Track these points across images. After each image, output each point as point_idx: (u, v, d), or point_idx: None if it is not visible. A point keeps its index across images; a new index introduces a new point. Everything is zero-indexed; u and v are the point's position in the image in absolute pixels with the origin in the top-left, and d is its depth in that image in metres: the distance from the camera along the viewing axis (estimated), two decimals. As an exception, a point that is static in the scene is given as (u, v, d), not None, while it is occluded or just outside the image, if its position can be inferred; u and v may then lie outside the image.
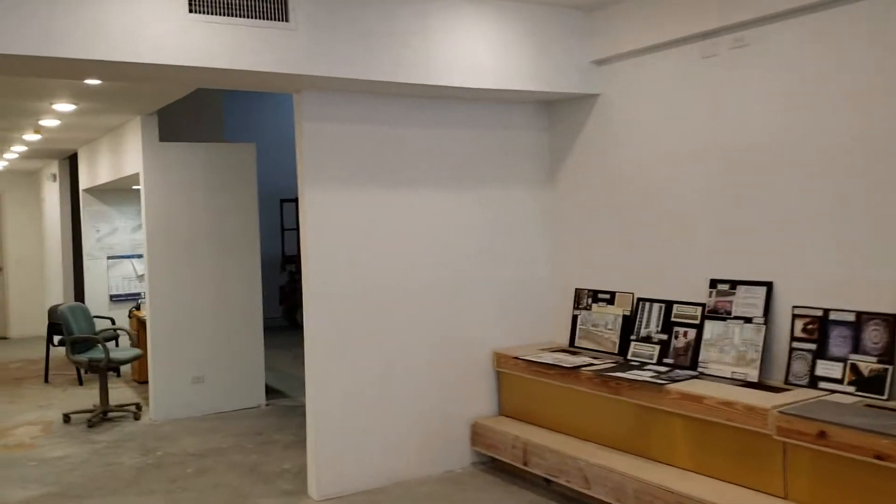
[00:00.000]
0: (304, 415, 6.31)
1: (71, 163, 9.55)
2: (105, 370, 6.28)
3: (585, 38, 4.71)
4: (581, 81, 4.71)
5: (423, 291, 4.70)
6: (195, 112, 7.30)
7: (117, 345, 8.27)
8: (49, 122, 6.40)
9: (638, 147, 4.55)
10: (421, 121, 4.69)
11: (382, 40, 4.05)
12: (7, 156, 9.01)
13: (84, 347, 6.43)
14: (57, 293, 10.18)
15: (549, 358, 4.55)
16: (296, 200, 11.86)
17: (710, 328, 4.08)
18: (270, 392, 6.97)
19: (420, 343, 4.69)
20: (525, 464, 4.37)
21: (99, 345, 6.34)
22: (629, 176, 4.61)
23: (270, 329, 7.52)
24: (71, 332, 6.33)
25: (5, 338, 11.37)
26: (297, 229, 11.95)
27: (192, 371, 6.43)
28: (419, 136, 4.69)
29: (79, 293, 9.22)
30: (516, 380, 4.76)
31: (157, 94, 5.40)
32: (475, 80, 4.33)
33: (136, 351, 6.55)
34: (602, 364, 4.32)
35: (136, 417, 6.35)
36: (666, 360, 4.25)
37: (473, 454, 4.87)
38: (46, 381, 8.02)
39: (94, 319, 8.27)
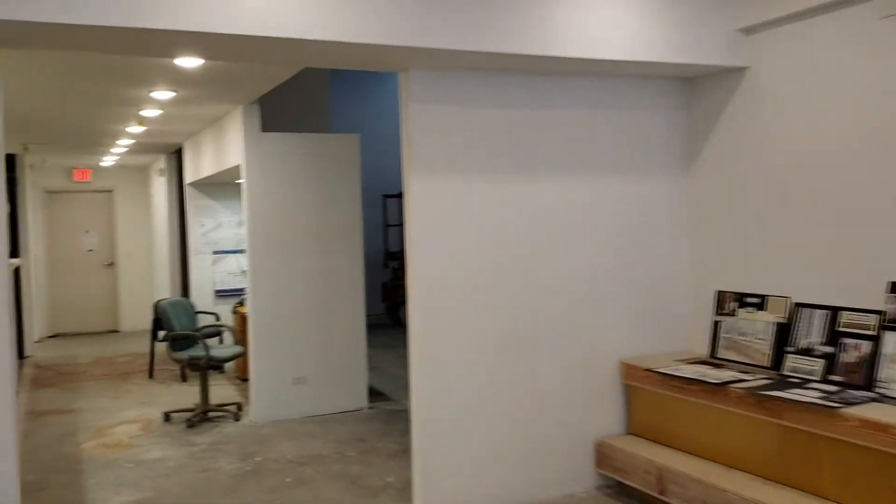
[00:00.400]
0: (408, 420, 5.92)
1: (177, 157, 9.55)
2: (205, 368, 6.09)
3: (731, 3, 4.08)
4: (726, 53, 4.08)
5: (541, 292, 4.20)
6: (298, 102, 7.04)
7: (222, 342, 8.15)
8: (150, 113, 6.25)
9: (795, 127, 3.88)
10: (540, 101, 4.18)
11: (499, 7, 3.57)
12: (115, 150, 9.07)
13: (185, 344, 6.26)
14: (164, 288, 10.24)
15: (688, 371, 3.95)
16: (399, 196, 11.56)
17: (892, 341, 3.40)
18: (373, 394, 6.62)
19: (537, 349, 4.19)
20: (661, 492, 3.80)
21: (200, 342, 6.15)
22: (784, 161, 3.95)
23: (372, 327, 7.21)
24: (171, 329, 6.17)
25: (116, 331, 11.59)
26: (401, 225, 11.66)
27: (294, 371, 6.16)
28: (537, 118, 4.19)
29: (185, 288, 9.20)
30: (648, 395, 4.19)
31: (259, 78, 5.11)
32: (603, 51, 3.79)
33: (238, 348, 6.34)
34: (754, 380, 3.70)
35: (237, 418, 6.13)
36: (833, 378, 3.59)
37: (598, 477, 4.32)
38: (151, 376, 7.98)
39: (198, 315, 8.19)
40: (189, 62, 4.32)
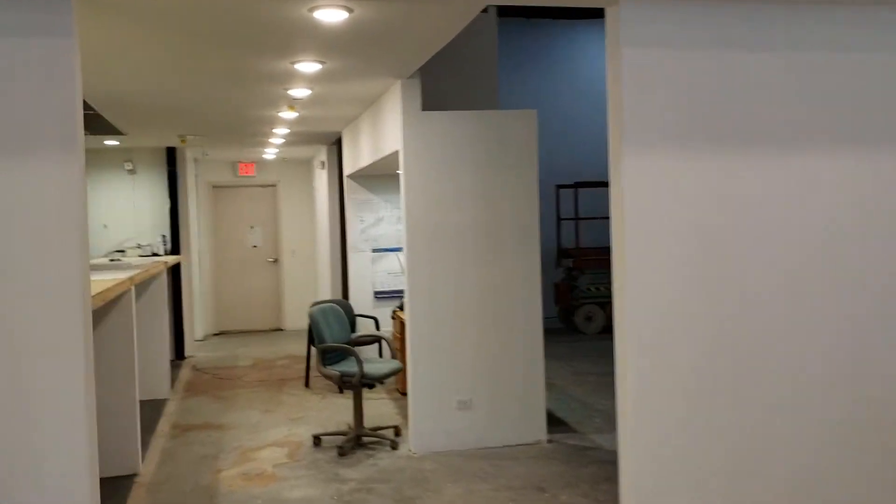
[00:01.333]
0: (598, 462, 4.78)
1: (338, 147, 8.91)
2: (359, 387, 5.25)
3: None
4: None
5: (809, 304, 2.92)
6: (462, 77, 6.06)
7: (380, 351, 7.36)
8: (299, 93, 5.49)
9: None
10: (798, 41, 2.90)
11: None
12: (274, 140, 8.55)
13: (336, 357, 5.46)
14: (326, 287, 9.67)
15: None
16: (574, 186, 10.35)
17: None
18: (551, 422, 5.52)
19: (809, 386, 2.92)
20: None
21: (353, 356, 5.32)
22: None
23: (544, 333, 6.09)
24: (322, 339, 5.38)
25: (280, 329, 11.24)
26: (575, 219, 10.44)
27: (458, 393, 5.18)
28: (794, 65, 2.91)
29: (345, 288, 8.54)
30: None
31: (416, 42, 4.16)
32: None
33: (395, 364, 5.45)
34: None
35: (394, 446, 5.24)
36: None
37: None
38: (307, 385, 7.33)
39: (357, 319, 7.45)
40: (333, 15, 3.41)
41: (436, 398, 5.16)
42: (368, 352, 7.48)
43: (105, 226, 8.86)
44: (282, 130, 7.70)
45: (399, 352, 6.29)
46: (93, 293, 3.86)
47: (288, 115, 6.53)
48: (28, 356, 2.47)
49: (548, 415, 5.40)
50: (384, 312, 7.53)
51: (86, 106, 5.75)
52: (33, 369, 2.47)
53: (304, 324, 10.43)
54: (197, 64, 4.62)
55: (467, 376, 5.20)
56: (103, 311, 4.74)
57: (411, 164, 5.17)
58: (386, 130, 5.72)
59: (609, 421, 5.79)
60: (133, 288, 4.90)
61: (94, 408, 2.67)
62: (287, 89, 5.40)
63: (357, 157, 7.16)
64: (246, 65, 4.62)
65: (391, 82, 5.32)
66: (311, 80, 5.11)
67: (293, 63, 4.54)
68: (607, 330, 10.19)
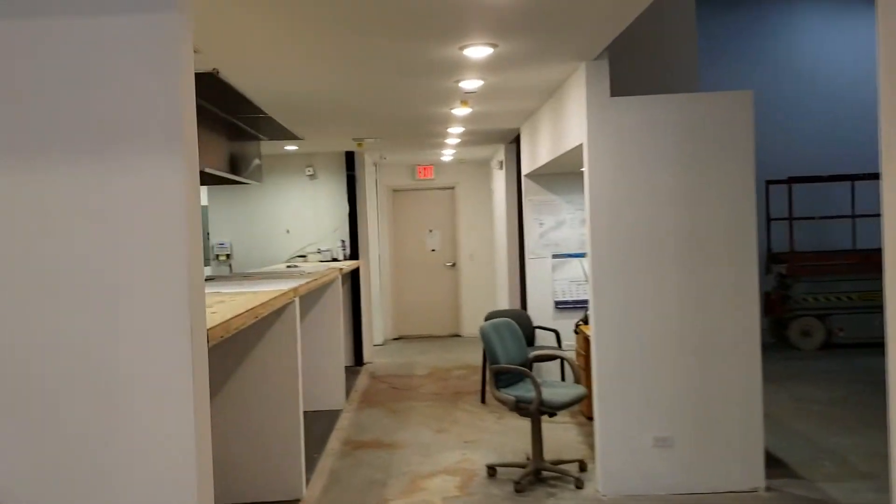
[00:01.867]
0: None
1: (516, 146, 8.35)
2: (537, 415, 4.62)
3: None
4: None
5: None
6: (657, 57, 5.26)
7: (562, 371, 6.70)
8: (470, 84, 4.95)
9: None
10: None
11: None
12: (449, 140, 8.12)
13: (512, 378, 4.87)
14: (503, 294, 9.13)
15: None
16: (787, 182, 9.08)
17: None
18: (769, 463, 4.58)
19: None
20: None
21: (529, 379, 4.70)
22: None
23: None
24: (495, 359, 4.80)
25: (458, 335, 10.86)
26: (788, 219, 9.15)
27: (655, 428, 4.41)
28: None
29: (523, 296, 7.94)
30: None
31: (605, 14, 3.47)
32: None
33: (579, 390, 4.76)
34: None
35: (578, 484, 4.56)
36: None
37: None
38: (483, 400, 6.81)
39: (536, 331, 6.83)
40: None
41: (628, 433, 4.42)
42: (549, 371, 6.84)
43: (287, 231, 8.87)
44: (457, 129, 7.24)
45: (583, 371, 5.60)
46: (249, 307, 3.56)
47: (462, 111, 6.04)
48: (126, 394, 2.08)
49: (765, 455, 4.48)
50: (566, 325, 6.85)
51: (257, 109, 5.57)
52: (133, 411, 2.07)
53: (482, 332, 9.98)
54: (363, 57, 4.21)
55: (666, 408, 4.42)
56: (267, 322, 4.46)
57: (597, 158, 4.47)
58: (568, 121, 5.06)
59: (843, 465, 4.75)
60: (297, 299, 4.59)
61: (209, 450, 2.24)
62: (458, 81, 4.89)
63: (536, 154, 6.54)
64: (413, 54, 4.15)
65: (573, 66, 4.65)
66: (482, 68, 4.56)
67: (462, 48, 4.00)
68: (828, 346, 8.83)
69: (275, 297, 4.02)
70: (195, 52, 3.92)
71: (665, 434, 4.41)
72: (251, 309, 3.48)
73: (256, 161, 6.90)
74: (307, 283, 4.96)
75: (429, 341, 10.56)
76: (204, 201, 9.29)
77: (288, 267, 7.28)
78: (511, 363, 4.84)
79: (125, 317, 2.07)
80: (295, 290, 4.55)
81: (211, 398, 4.55)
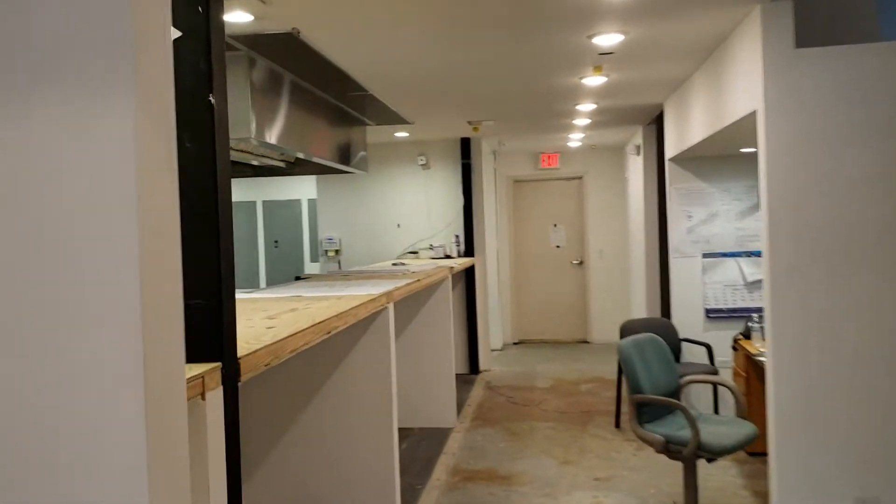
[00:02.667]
0: None
1: (657, 126, 7.24)
2: (693, 459, 3.60)
3: None
4: None
5: None
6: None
7: (715, 399, 5.61)
8: (607, 39, 3.97)
9: None
10: None
11: None
12: (578, 122, 7.11)
13: (659, 410, 3.86)
14: (639, 297, 8.03)
15: None
16: None
17: None
18: None
19: None
20: None
21: (682, 413, 3.68)
22: None
23: None
24: (638, 388, 3.80)
25: (585, 342, 9.81)
26: None
27: (856, 483, 3.30)
28: None
29: (664, 302, 6.83)
30: None
31: None
32: None
33: (749, 430, 3.68)
34: None
35: (746, 553, 3.51)
36: None
37: None
38: (617, 425, 5.80)
39: (682, 344, 5.75)
40: None
41: (819, 488, 3.33)
42: (697, 395, 5.74)
43: (398, 225, 8.15)
44: (587, 107, 6.24)
45: (746, 397, 4.50)
46: (320, 320, 2.77)
47: (594, 80, 5.05)
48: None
49: None
50: (720, 338, 5.73)
51: (356, 86, 4.82)
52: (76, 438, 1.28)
53: (614, 336, 8.89)
54: (473, 14, 3.34)
55: (872, 459, 3.29)
56: (358, 330, 3.68)
57: (778, 129, 3.39)
58: (734, 84, 3.98)
59: None
60: (391, 306, 3.78)
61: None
62: (591, 36, 3.92)
63: (685, 132, 5.45)
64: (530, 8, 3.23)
65: (745, 10, 3.58)
66: (623, 14, 3.57)
67: (598, -20, 3.05)
68: None
69: (358, 306, 3.22)
70: (262, 1, 3.18)
71: (871, 494, 3.28)
72: (321, 323, 2.69)
73: (362, 152, 6.20)
74: (405, 286, 4.14)
75: (553, 347, 9.57)
76: (312, 193, 8.73)
77: (394, 265, 6.53)
78: (657, 391, 3.84)
79: (39, 351, 1.28)
80: (388, 294, 3.75)
81: (289, 419, 3.82)
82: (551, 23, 3.69)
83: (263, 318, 2.83)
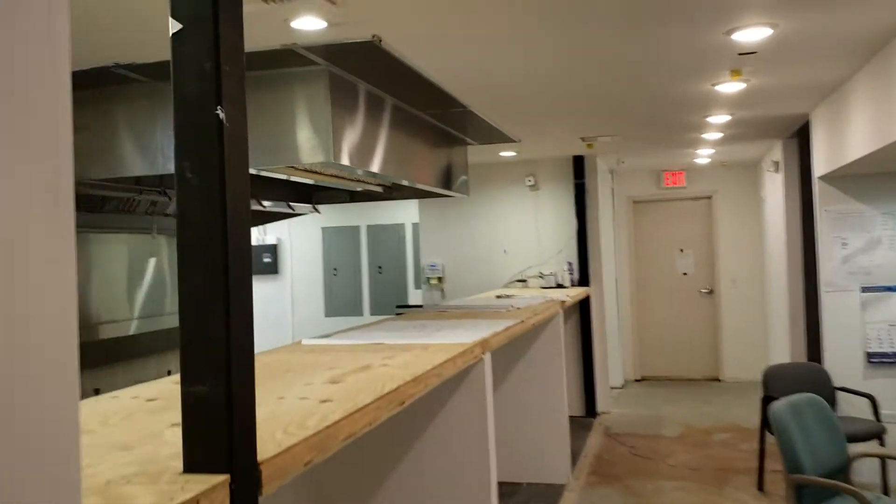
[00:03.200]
0: None
1: (799, 140, 6.34)
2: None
3: None
4: None
5: None
6: None
7: (883, 472, 4.69)
8: (748, 34, 3.26)
9: None
10: None
11: None
12: (708, 136, 6.32)
13: (823, 493, 3.08)
14: (781, 335, 7.08)
15: None
16: None
17: None
18: None
19: None
20: None
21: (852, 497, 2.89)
22: None
23: None
24: (796, 466, 3.04)
25: (717, 380, 8.86)
26: None
27: None
28: None
29: (813, 341, 5.91)
30: None
31: None
32: None
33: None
34: None
35: None
36: None
37: None
38: (760, 487, 4.96)
39: (837, 393, 4.89)
40: None
41: None
42: (862, 461, 4.82)
43: (505, 251, 7.57)
44: (720, 119, 5.47)
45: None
46: (392, 387, 2.23)
47: (731, 87, 4.32)
48: None
49: None
50: (885, 386, 4.81)
51: (456, 103, 4.31)
52: None
53: (749, 374, 7.91)
54: (588, 12, 2.76)
55: None
56: (444, 384, 3.12)
57: None
58: None
59: None
60: (487, 357, 3.20)
61: None
62: (730, 32, 3.23)
63: (841, 146, 4.61)
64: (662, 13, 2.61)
65: (937, -12, 2.81)
66: (774, 2, 2.88)
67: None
68: None
69: (444, 363, 2.67)
70: (331, 2, 2.71)
71: None
72: (391, 393, 2.15)
73: (463, 176, 5.70)
74: (504, 331, 3.56)
75: (680, 386, 8.69)
76: (415, 217, 8.30)
77: (499, 297, 5.95)
78: (821, 467, 3.06)
79: None
80: (484, 343, 3.18)
81: (372, 485, 3.31)
82: (682, 17, 3.04)
83: (324, 381, 2.33)
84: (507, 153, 6.84)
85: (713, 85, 4.31)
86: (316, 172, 4.56)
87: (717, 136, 6.32)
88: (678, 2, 2.86)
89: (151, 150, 3.55)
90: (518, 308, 4.74)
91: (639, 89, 4.42)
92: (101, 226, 5.38)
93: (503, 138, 5.76)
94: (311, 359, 2.86)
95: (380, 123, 4.03)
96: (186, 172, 1.39)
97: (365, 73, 3.57)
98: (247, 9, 2.62)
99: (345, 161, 3.61)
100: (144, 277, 6.03)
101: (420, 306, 6.10)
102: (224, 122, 1.39)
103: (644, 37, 3.32)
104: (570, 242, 7.33)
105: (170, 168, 3.55)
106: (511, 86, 4.16)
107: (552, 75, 3.97)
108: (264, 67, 3.36)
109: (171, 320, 6.37)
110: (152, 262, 5.98)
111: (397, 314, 5.22)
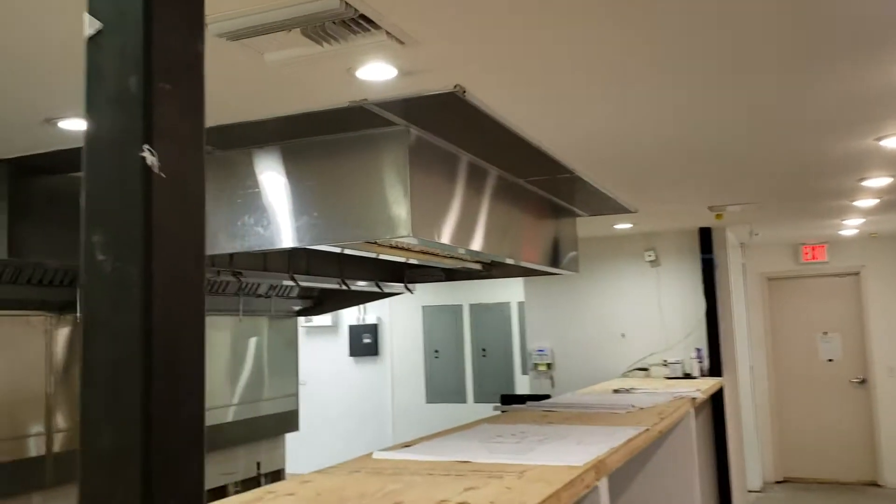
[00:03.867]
0: None
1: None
2: None
3: None
4: None
5: None
6: None
7: None
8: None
9: None
10: None
11: None
12: (859, 203, 5.43)
13: None
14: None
15: None
16: None
17: None
18: None
19: None
20: None
21: None
22: None
23: None
24: None
25: (875, 484, 7.58)
26: None
27: None
28: None
29: None
30: None
31: None
32: None
33: None
34: None
35: None
36: None
37: None
38: None
39: None
40: None
41: None
42: None
43: (623, 335, 6.78)
44: (879, 182, 4.62)
45: None
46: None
47: (892, 144, 3.54)
48: None
49: None
50: None
51: (560, 167, 3.73)
52: None
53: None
54: (720, 58, 2.15)
55: None
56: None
57: None
58: None
59: None
60: (603, 483, 2.50)
61: None
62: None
63: None
64: (822, 22, 1.97)
65: None
66: None
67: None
68: None
69: (549, 498, 2.01)
70: (399, 41, 2.21)
71: None
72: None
73: (573, 252, 5.07)
74: (624, 445, 2.84)
75: (830, 491, 7.48)
76: (520, 296, 7.66)
77: (616, 391, 5.18)
78: None
79: None
80: (599, 466, 2.49)
81: None
82: (842, 58, 2.37)
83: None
84: (623, 225, 6.15)
85: (878, 139, 3.53)
86: (405, 249, 4.07)
87: (873, 202, 5.42)
88: (841, 39, 2.19)
89: (212, 227, 3.14)
90: (640, 409, 3.99)
91: (783, 148, 3.69)
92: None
93: (618, 208, 5.11)
94: (376, 486, 2.25)
95: (475, 192, 3.49)
96: (96, 252, 0.85)
97: (451, 133, 3.06)
98: (300, 51, 2.14)
99: (441, 238, 3.08)
100: (245, 361, 5.65)
101: (525, 399, 5.40)
102: (154, 169, 0.85)
103: (793, 84, 2.64)
104: (699, 326, 6.47)
105: (234, 247, 3.12)
106: (627, 148, 3.55)
107: (677, 135, 3.33)
108: (334, 130, 2.91)
109: (270, 406, 5.93)
110: (252, 343, 5.60)
111: (500, 409, 4.56)
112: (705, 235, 6.52)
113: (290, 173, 3.01)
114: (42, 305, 4.15)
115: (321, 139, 2.93)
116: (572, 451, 2.64)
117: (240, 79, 2.41)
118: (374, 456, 2.68)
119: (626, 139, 3.40)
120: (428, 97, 2.54)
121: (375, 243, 3.77)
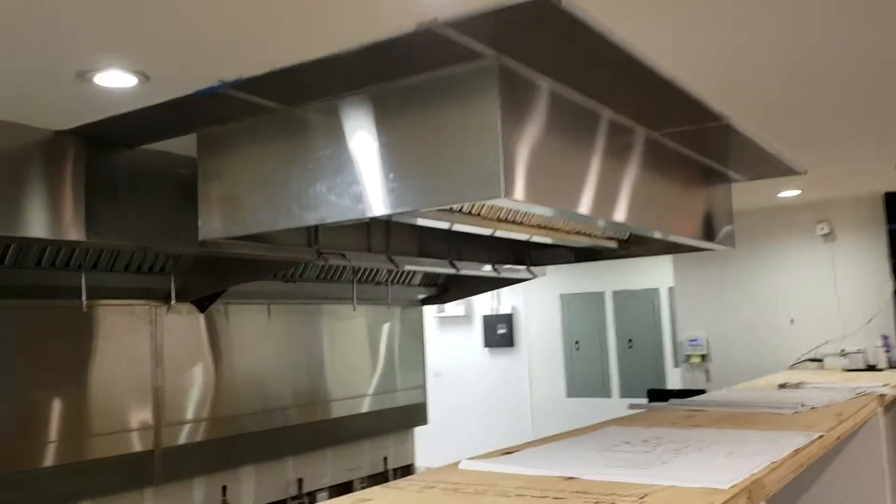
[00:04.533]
0: None
1: None
2: None
3: None
4: None
5: None
6: None
7: None
8: None
9: None
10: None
11: None
12: None
13: None
14: None
15: None
16: None
17: None
18: None
19: None
20: None
21: None
22: None
23: None
24: None
25: None
26: None
27: None
28: None
29: None
30: None
31: None
32: None
33: None
34: None
35: None
36: None
37: None
38: None
39: None
40: None
41: None
42: None
43: (791, 321, 5.90)
44: None
45: None
46: None
47: None
48: None
49: None
50: None
51: (704, 111, 3.06)
52: None
53: None
54: None
55: None
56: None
57: None
58: None
59: None
60: (761, 512, 1.86)
61: None
62: None
63: None
64: None
65: None
66: None
67: None
68: None
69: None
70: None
71: None
72: None
73: (728, 225, 4.33)
74: (789, 459, 2.16)
75: None
76: (670, 280, 6.89)
77: (781, 386, 4.38)
78: None
79: None
80: (753, 488, 1.85)
81: None
82: None
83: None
84: (789, 192, 5.28)
85: None
86: (519, 224, 3.55)
87: None
88: None
89: (285, 197, 2.74)
90: (812, 408, 3.24)
91: None
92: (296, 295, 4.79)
93: (782, 170, 4.29)
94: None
95: (599, 147, 2.89)
96: None
97: (555, 65, 2.47)
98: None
99: (551, 202, 2.54)
100: (379, 351, 5.40)
101: (674, 396, 4.74)
102: None
103: None
104: (885, 309, 5.51)
105: (308, 219, 2.71)
106: (791, 84, 2.82)
107: (860, 67, 2.58)
108: (405, 73, 2.41)
109: (397, 398, 5.62)
110: (374, 333, 5.33)
111: (635, 408, 3.91)
112: (892, 202, 5.55)
113: (355, 131, 2.56)
114: (147, 294, 3.99)
115: (391, 85, 2.46)
116: (718, 466, 2.02)
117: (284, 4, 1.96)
118: (461, 466, 2.17)
119: (791, 73, 2.68)
120: (515, 7, 1.98)
121: (479, 215, 3.27)
